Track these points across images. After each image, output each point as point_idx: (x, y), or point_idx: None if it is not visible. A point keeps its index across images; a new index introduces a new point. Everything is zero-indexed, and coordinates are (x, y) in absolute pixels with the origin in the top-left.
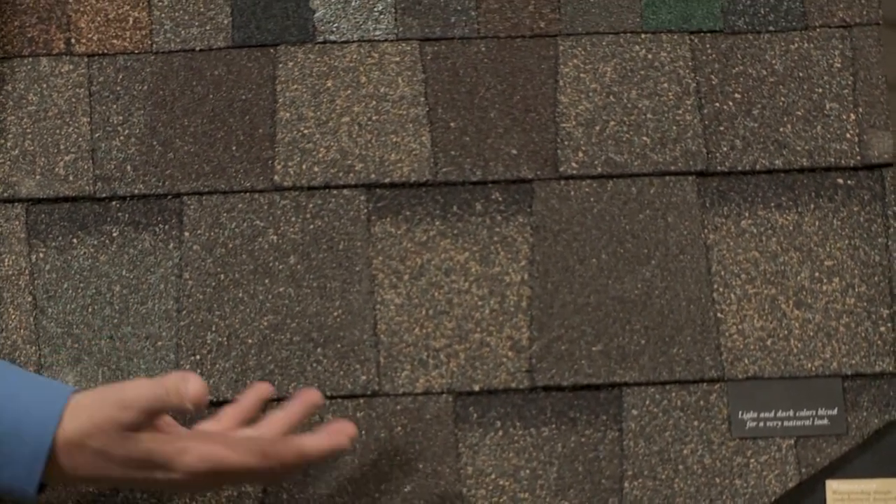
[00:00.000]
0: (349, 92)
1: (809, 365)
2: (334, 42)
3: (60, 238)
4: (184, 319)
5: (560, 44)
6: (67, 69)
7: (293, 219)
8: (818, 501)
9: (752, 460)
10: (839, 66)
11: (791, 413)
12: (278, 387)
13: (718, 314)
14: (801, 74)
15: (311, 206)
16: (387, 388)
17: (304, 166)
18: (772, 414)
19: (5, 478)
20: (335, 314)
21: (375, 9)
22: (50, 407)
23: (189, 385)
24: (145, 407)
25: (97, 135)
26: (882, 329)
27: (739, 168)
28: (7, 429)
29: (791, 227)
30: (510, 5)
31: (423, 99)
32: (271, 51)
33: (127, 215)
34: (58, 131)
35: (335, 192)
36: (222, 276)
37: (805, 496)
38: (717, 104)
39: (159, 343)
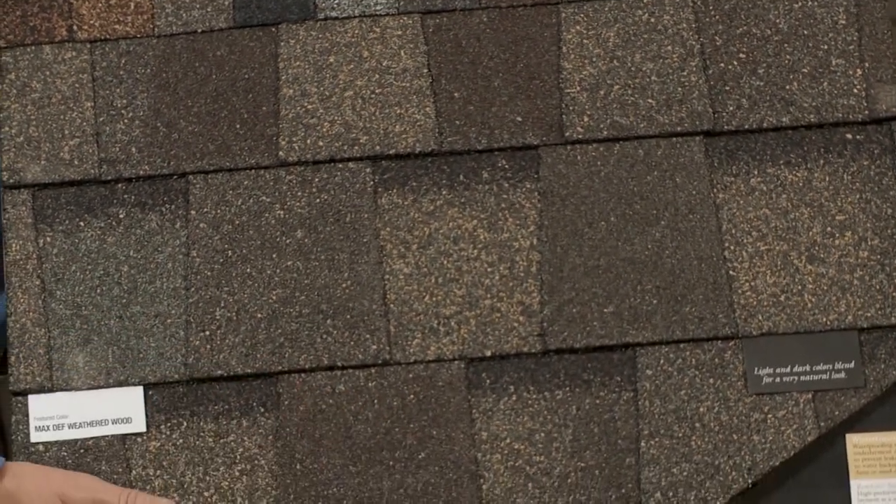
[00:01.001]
0: (352, 66)
1: (824, 319)
2: (335, 18)
3: (67, 221)
4: (192, 296)
5: (562, 11)
6: (70, 56)
7: (299, 193)
8: (838, 455)
9: (769, 416)
10: (844, 22)
11: (808, 368)
12: (289, 359)
13: (730, 272)
14: (805, 32)
15: (316, 180)
16: (398, 356)
17: (308, 141)
18: (788, 369)
19: None
20: (344, 286)
21: None
22: None
23: None
24: (95, 498)
25: (101, 119)
26: None
27: (746, 126)
28: None
29: (801, 184)
30: None
31: (426, 70)
32: (273, 30)
33: (133, 196)
34: (62, 117)
35: (340, 165)
36: (230, 253)
37: (825, 450)
38: (722, 64)
39: (169, 321)
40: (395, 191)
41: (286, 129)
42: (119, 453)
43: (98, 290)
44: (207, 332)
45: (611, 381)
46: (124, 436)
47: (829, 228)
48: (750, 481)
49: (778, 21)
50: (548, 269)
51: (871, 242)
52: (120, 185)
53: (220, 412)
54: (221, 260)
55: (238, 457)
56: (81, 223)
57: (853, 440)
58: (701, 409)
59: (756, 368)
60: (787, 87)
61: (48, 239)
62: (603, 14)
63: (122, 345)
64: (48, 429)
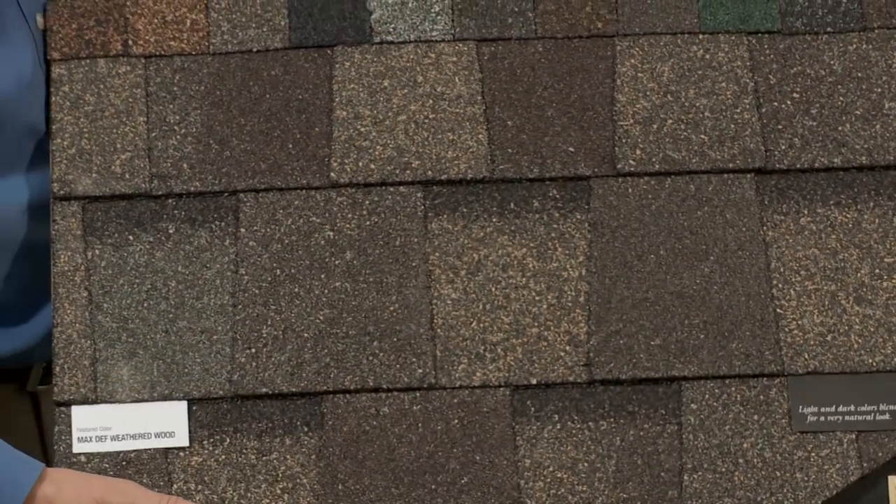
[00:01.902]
0: (406, 91)
1: (870, 360)
2: (391, 42)
3: (116, 235)
4: (239, 314)
5: (617, 44)
6: (125, 70)
7: (349, 215)
8: (880, 496)
9: (812, 454)
10: None
11: (852, 408)
12: (334, 379)
13: (778, 310)
14: (859, 74)
15: (367, 202)
16: (443, 381)
17: (360, 163)
18: (833, 408)
19: None
20: (391, 308)
21: (432, 10)
22: (30, 465)
23: None
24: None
25: (154, 134)
26: None
27: (798, 166)
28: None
29: (850, 225)
30: (567, 6)
31: (479, 98)
32: (328, 51)
33: (183, 212)
34: (114, 130)
35: (392, 188)
36: (278, 272)
37: (867, 491)
38: (776, 103)
39: (215, 337)
40: (445, 216)
41: (338, 150)
42: (161, 467)
43: (145, 304)
44: (253, 350)
45: (655, 413)
46: (167, 450)
47: (877, 270)
48: None
49: (832, 62)
50: (596, 300)
51: None
52: (170, 201)
53: (264, 430)
54: (269, 278)
55: (280, 475)
56: (130, 237)
57: (895, 482)
58: (745, 445)
59: (801, 406)
60: (840, 128)
61: (97, 251)
62: (658, 48)
63: (168, 359)
64: (91, 440)
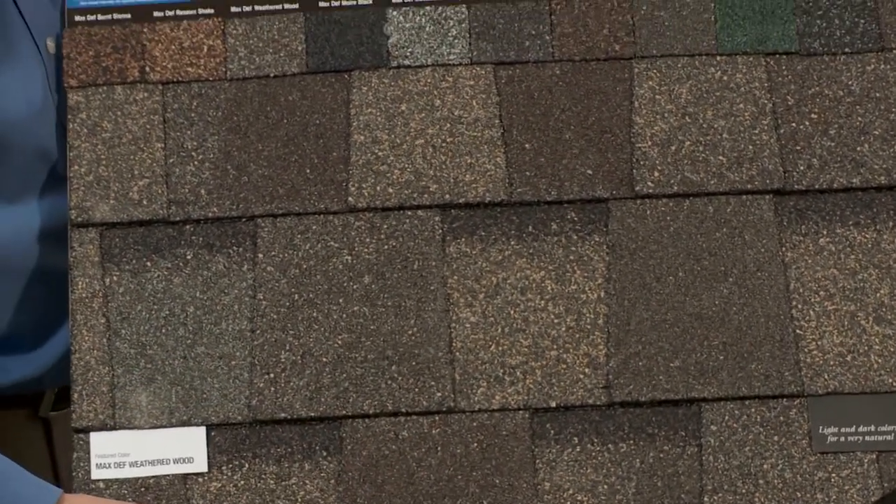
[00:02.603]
0: (423, 115)
1: (890, 380)
2: (408, 67)
3: (134, 261)
4: (258, 339)
5: (635, 66)
6: (142, 97)
7: (367, 239)
8: None
9: (833, 475)
10: None
11: (872, 428)
12: (353, 404)
13: (797, 330)
14: (877, 95)
15: (385, 226)
16: (462, 404)
17: (378, 188)
18: (853, 429)
19: None
20: (410, 332)
21: (449, 34)
22: (47, 491)
23: None
24: None
25: (171, 160)
26: None
27: (817, 186)
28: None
29: (870, 245)
30: (585, 29)
31: (497, 121)
32: (345, 76)
33: (201, 238)
34: (132, 157)
35: (410, 212)
36: (296, 297)
37: None
38: (794, 124)
39: (233, 363)
40: (463, 240)
41: (356, 175)
42: (180, 493)
43: (163, 331)
44: (272, 375)
45: (675, 435)
46: (185, 476)
47: None
48: None
49: (850, 83)
50: (615, 322)
51: None
52: (188, 227)
53: (283, 455)
54: (288, 303)
55: (299, 500)
56: (148, 263)
57: None
58: (765, 466)
59: (821, 427)
60: (858, 148)
61: (115, 278)
62: (676, 70)
63: (186, 385)
64: (109, 466)
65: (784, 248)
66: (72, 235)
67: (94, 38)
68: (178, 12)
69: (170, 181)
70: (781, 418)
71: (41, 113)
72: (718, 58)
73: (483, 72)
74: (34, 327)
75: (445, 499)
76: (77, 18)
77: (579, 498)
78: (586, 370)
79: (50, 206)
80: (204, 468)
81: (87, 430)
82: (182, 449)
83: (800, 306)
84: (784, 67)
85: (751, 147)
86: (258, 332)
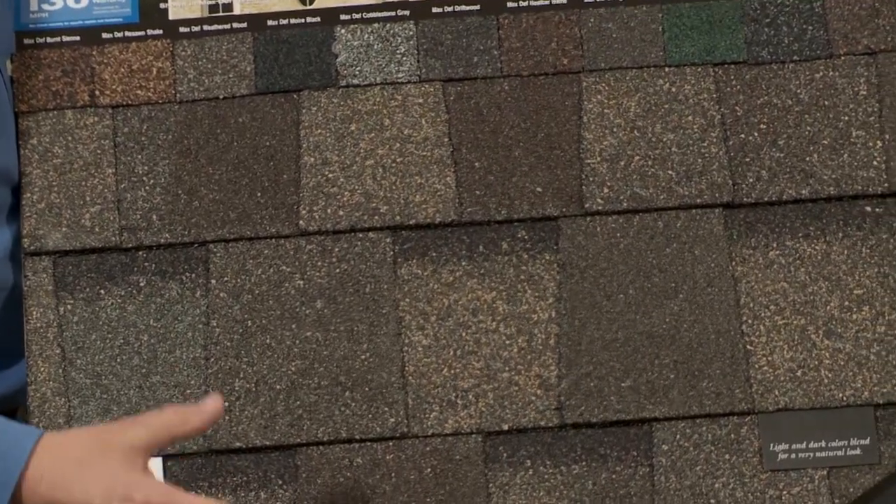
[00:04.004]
0: (373, 135)
1: (841, 395)
2: (357, 86)
3: (88, 289)
4: (212, 367)
5: (583, 80)
6: (92, 121)
7: (319, 263)
8: None
9: (784, 492)
10: (865, 93)
11: (823, 444)
12: (307, 431)
13: (748, 346)
14: (826, 103)
15: (336, 249)
16: (416, 429)
17: (329, 210)
18: (804, 445)
19: None
20: (363, 357)
21: (398, 51)
22: (26, 435)
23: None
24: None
25: (122, 185)
26: None
27: (766, 199)
28: None
29: (819, 257)
30: (533, 43)
31: (446, 139)
32: (295, 96)
33: (153, 265)
34: (83, 183)
35: (361, 235)
36: (249, 323)
37: None
38: (743, 135)
39: (188, 391)
40: (414, 261)
41: (307, 197)
42: None
43: (118, 360)
44: (227, 404)
45: (627, 455)
46: None
47: (846, 303)
48: None
49: (799, 91)
50: (566, 343)
51: (888, 317)
52: (141, 253)
53: (239, 484)
54: (241, 330)
55: None
56: (102, 291)
57: None
58: (716, 486)
59: (772, 444)
60: (808, 158)
61: (69, 307)
62: (624, 83)
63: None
64: None
65: (734, 263)
66: (25, 264)
67: (44, 62)
68: (127, 34)
69: (121, 207)
70: (732, 436)
71: (2, 135)
72: (667, 69)
73: (432, 89)
74: (9, 346)
75: None
76: (26, 41)
77: None
78: (538, 391)
79: (18, 227)
80: None
81: None
82: None
83: (750, 321)
84: (732, 77)
85: (700, 160)
86: (212, 359)
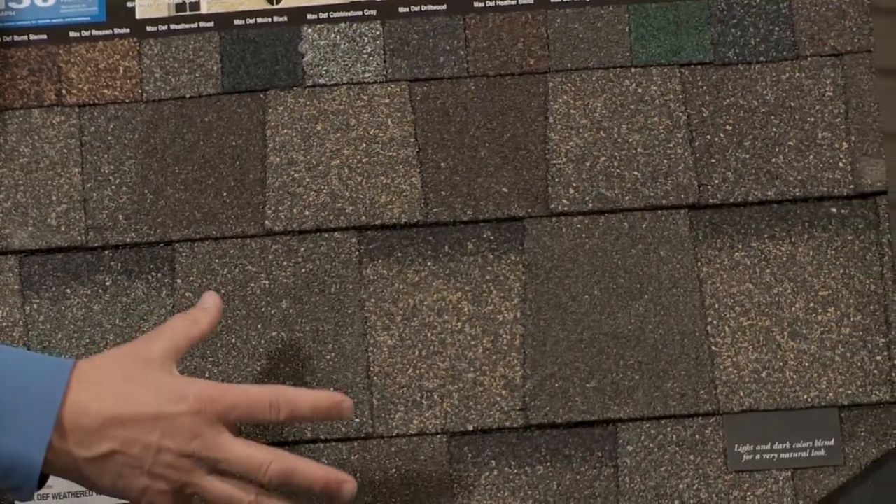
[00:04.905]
0: (339, 135)
1: (805, 396)
2: (323, 85)
3: (54, 289)
4: (178, 367)
5: (550, 80)
6: (59, 120)
7: (285, 263)
8: None
9: (749, 493)
10: (831, 94)
11: (788, 445)
12: (273, 432)
13: (713, 347)
14: (792, 104)
15: (302, 249)
16: (381, 430)
17: (294, 210)
18: (768, 446)
19: (10, 444)
20: (328, 357)
21: (364, 51)
22: (60, 363)
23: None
24: (175, 331)
25: (89, 185)
26: (878, 358)
27: (732, 200)
28: (17, 384)
29: (785, 258)
30: (499, 43)
31: (412, 140)
32: (261, 96)
33: (119, 264)
34: (50, 182)
35: (326, 235)
36: None
37: None
38: (709, 136)
39: None
40: (380, 261)
41: (272, 197)
42: None
43: (84, 359)
44: None
45: (592, 456)
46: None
47: (811, 304)
48: None
49: (765, 92)
50: (531, 343)
51: (853, 319)
52: (107, 253)
53: None
54: None
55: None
56: (68, 290)
57: None
58: (681, 486)
59: (736, 445)
60: (773, 160)
61: (35, 306)
62: (590, 84)
63: None
64: (36, 497)
65: (699, 264)
66: None
67: (11, 61)
68: (94, 32)
69: (88, 206)
70: (697, 437)
71: None
72: (633, 70)
73: (398, 89)
74: None
75: None
76: None
77: None
78: (503, 392)
79: None
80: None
81: None
82: None
83: (715, 322)
84: (699, 78)
85: (665, 161)
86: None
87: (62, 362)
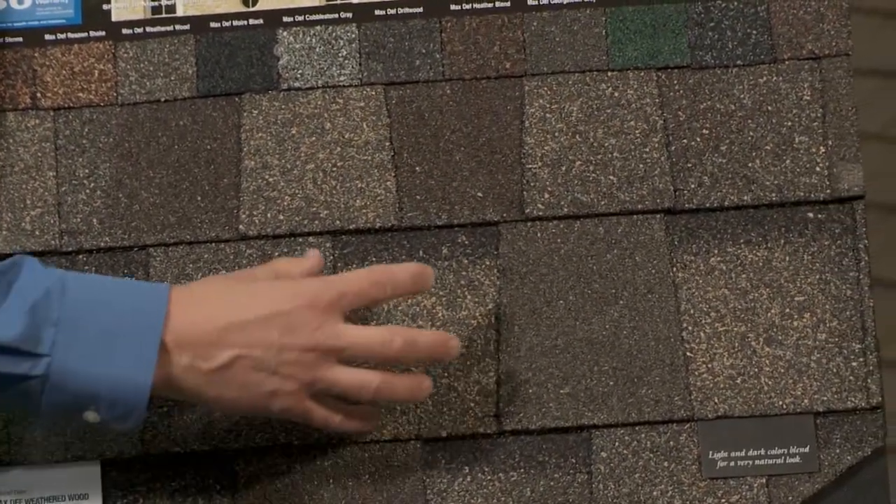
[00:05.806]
0: (314, 139)
1: (780, 402)
2: (299, 89)
3: None
4: None
5: (526, 84)
6: (33, 123)
7: None
8: None
9: (723, 500)
10: (808, 98)
11: (762, 451)
12: (245, 437)
13: (688, 353)
14: (769, 108)
15: (276, 254)
16: (354, 435)
17: (269, 215)
18: (743, 453)
19: (112, 375)
20: None
21: (339, 54)
22: (156, 287)
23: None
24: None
25: (63, 188)
26: (854, 364)
27: (707, 205)
28: (114, 313)
29: (761, 263)
30: (475, 47)
31: (387, 144)
32: (236, 99)
33: (94, 269)
34: (24, 186)
35: (301, 239)
36: None
37: None
38: (685, 140)
39: None
40: (354, 266)
41: (247, 202)
42: None
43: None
44: (164, 409)
45: (565, 462)
46: None
47: (787, 310)
48: None
49: (742, 96)
50: (505, 349)
51: (829, 324)
52: (81, 257)
53: (177, 489)
54: None
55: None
56: None
57: None
58: (654, 493)
59: (711, 452)
60: (750, 164)
61: None
62: (567, 87)
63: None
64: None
65: (675, 269)
66: None
67: None
68: (70, 35)
69: (62, 211)
70: (671, 444)
71: None
72: (610, 73)
73: (373, 93)
74: None
75: None
76: None
77: None
78: (477, 398)
79: None
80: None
81: None
82: (77, 485)
83: (690, 328)
84: (676, 82)
85: (641, 166)
86: None
87: (157, 286)
